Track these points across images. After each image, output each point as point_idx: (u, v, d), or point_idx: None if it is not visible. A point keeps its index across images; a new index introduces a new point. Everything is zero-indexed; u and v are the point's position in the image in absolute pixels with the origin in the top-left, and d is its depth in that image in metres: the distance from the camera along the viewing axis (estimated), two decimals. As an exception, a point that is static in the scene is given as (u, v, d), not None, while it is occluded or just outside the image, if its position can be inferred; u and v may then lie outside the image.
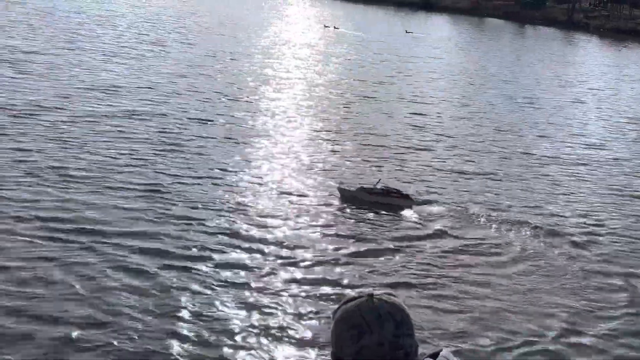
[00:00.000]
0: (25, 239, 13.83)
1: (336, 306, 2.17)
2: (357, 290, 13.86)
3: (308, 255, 14.77)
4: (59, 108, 23.91)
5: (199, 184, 18.35)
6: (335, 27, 71.14)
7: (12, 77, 27.74)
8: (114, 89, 28.04)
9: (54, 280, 12.36)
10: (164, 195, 17.22)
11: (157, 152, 20.53)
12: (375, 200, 18.09)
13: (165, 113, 25.28)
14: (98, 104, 25.22)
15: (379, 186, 18.47)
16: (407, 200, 18.37)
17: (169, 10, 65.75)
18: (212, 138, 22.92)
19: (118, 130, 22.23)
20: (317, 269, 14.15)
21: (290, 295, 12.86)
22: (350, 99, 33.33)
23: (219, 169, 19.82)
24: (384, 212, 18.02)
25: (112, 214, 15.68)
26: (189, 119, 24.94)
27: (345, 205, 18.02)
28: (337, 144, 24.32)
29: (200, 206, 16.80)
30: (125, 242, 14.25)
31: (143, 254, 13.82)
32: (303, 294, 13.00)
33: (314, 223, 16.79)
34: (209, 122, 24.87)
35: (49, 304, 11.49)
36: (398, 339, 2.05)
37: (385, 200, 18.12)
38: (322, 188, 19.20)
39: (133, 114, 24.38)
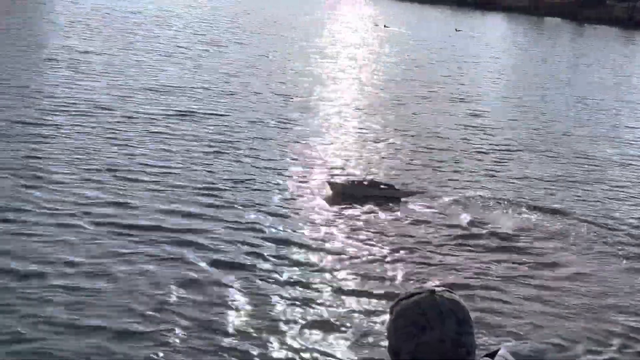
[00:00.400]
0: (81, 237, 13.87)
1: (393, 301, 2.12)
2: (414, 287, 13.71)
3: (357, 255, 14.47)
4: (115, 108, 24.11)
5: (251, 184, 18.22)
6: (385, 26, 71.05)
7: (69, 77, 28.15)
8: (168, 89, 28.21)
9: (109, 278, 12.34)
10: (217, 196, 17.13)
11: (210, 152, 20.49)
12: (364, 194, 18.05)
13: (219, 113, 25.28)
14: (153, 104, 25.37)
15: (367, 179, 18.61)
16: (395, 192, 18.40)
17: (223, 10, 66.22)
18: (265, 138, 22.79)
19: (172, 131, 22.28)
20: (364, 269, 13.84)
21: (340, 294, 12.61)
22: (406, 99, 32.85)
23: (271, 169, 19.66)
24: (412, 209, 17.71)
25: (166, 213, 15.65)
26: (243, 119, 24.89)
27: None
28: (393, 146, 23.91)
29: (251, 207, 16.64)
30: (179, 241, 14.19)
31: (196, 253, 13.73)
32: (353, 293, 12.72)
33: (364, 224, 16.49)
34: (263, 123, 24.77)
35: (104, 301, 11.48)
36: (460, 337, 2.02)
37: (374, 193, 18.14)
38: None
39: (187, 114, 24.43)
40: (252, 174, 18.95)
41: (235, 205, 16.65)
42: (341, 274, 13.60)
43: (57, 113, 22.55)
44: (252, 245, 14.54)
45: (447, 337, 2.00)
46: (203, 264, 13.34)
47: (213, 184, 17.86)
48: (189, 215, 15.71)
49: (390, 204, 17.91)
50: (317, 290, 12.84)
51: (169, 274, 12.78)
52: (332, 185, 18.32)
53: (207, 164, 19.38)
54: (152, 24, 48.51)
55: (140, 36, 41.93)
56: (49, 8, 52.30)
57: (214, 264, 13.43)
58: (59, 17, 47.25)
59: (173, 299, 11.91)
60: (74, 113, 22.78)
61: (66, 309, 11.17)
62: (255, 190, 17.84)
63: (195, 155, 20.08)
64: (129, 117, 23.12)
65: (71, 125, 21.48)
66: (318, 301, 12.41)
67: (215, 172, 18.76)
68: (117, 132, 21.33)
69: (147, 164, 18.73)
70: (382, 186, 18.44)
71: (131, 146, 20.14)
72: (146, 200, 16.23)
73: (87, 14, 49.11)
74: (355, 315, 12.04)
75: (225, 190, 17.55)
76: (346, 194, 18.07)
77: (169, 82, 29.49)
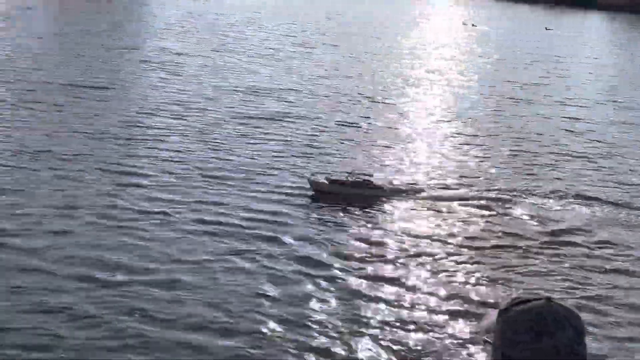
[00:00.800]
0: (171, 239, 14.00)
1: (503, 305, 2.08)
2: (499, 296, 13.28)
3: (446, 260, 14.12)
4: (206, 109, 24.43)
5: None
6: (473, 25, 70.36)
7: (163, 79, 28.75)
8: (259, 91, 28.38)
9: (200, 276, 12.45)
10: (305, 197, 17.03)
11: (298, 155, 20.42)
12: (347, 192, 17.42)
13: (308, 116, 25.20)
14: (243, 106, 25.55)
15: (350, 178, 17.89)
16: (380, 191, 17.76)
17: (313, 11, 66.49)
18: (352, 140, 22.60)
19: (261, 133, 22.35)
20: (450, 277, 13.40)
21: (433, 302, 12.26)
22: (500, 101, 31.90)
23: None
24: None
25: (255, 215, 15.65)
26: (332, 122, 24.73)
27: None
28: (487, 149, 23.17)
29: (340, 210, 16.50)
30: (268, 245, 14.15)
31: (283, 253, 13.69)
32: (444, 300, 12.32)
33: (471, 229, 16.05)
34: (352, 126, 24.54)
35: (197, 310, 11.50)
36: (574, 346, 2.01)
37: (358, 192, 17.49)
38: (476, 197, 18.25)
39: (276, 117, 24.47)
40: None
41: (323, 207, 16.51)
42: (434, 280, 13.28)
43: (151, 114, 23.04)
44: (339, 244, 14.45)
45: (562, 345, 1.99)
46: (290, 265, 13.29)
47: (301, 187, 17.74)
48: (276, 215, 15.68)
49: (478, 209, 17.38)
50: (406, 303, 12.54)
51: (257, 273, 12.77)
52: (314, 183, 17.74)
53: (295, 166, 19.31)
54: (244, 26, 49.21)
55: (231, 38, 42.56)
56: (145, 10, 53.90)
57: (302, 262, 13.39)
58: (155, 19, 48.58)
59: (261, 298, 11.91)
60: (166, 114, 23.21)
61: (160, 304, 11.32)
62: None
63: (284, 157, 20.05)
64: (220, 119, 23.36)
65: (164, 126, 21.87)
66: (409, 307, 12.11)
67: (303, 175, 18.62)
68: (207, 133, 21.57)
69: (236, 166, 18.82)
70: (367, 185, 17.79)
71: (221, 148, 20.31)
72: (235, 201, 16.31)
73: (182, 16, 50.30)
74: (448, 319, 11.72)
75: (311, 192, 17.41)
76: (329, 192, 17.45)
77: (259, 84, 29.69)
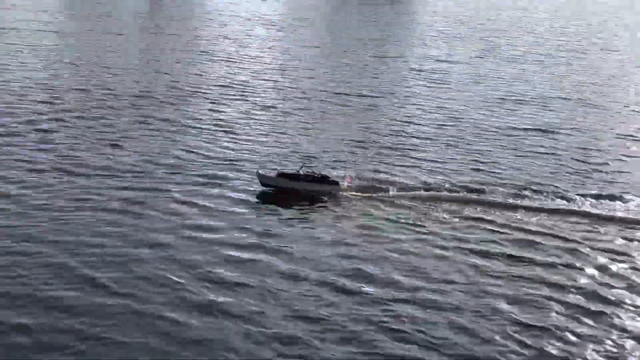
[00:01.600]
0: (432, 256, 13.87)
1: None
2: None
3: None
4: (468, 119, 23.88)
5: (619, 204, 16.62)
6: None
7: (427, 87, 28.70)
8: (524, 99, 27.20)
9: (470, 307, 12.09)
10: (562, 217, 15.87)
11: (567, 172, 19.11)
12: (298, 187, 16.06)
13: (579, 127, 23.57)
14: (507, 116, 24.55)
15: (302, 172, 16.35)
16: (335, 187, 16.17)
17: (587, 13, 62.76)
18: (630, 156, 20.83)
19: (526, 145, 21.28)
20: None
21: None
22: None
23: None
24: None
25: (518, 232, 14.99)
26: (606, 133, 22.91)
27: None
28: None
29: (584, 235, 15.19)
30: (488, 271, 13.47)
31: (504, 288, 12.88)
32: None
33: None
34: (628, 138, 22.65)
35: (452, 336, 11.26)
36: None
37: (312, 187, 16.00)
38: None
39: (543, 128, 23.18)
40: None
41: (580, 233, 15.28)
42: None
43: (413, 123, 23.10)
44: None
45: None
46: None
47: (570, 199, 16.58)
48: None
49: None
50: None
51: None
52: (262, 177, 16.41)
53: (569, 182, 18.14)
54: (515, 31, 47.99)
55: (497, 44, 41.52)
56: (412, 18, 54.79)
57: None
58: (421, 26, 49.29)
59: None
60: (428, 123, 23.16)
61: (419, 325, 11.12)
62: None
63: (550, 174, 18.92)
64: (483, 129, 22.73)
65: (424, 136, 21.70)
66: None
67: (572, 192, 17.37)
68: (469, 144, 21.09)
69: (497, 180, 18.03)
70: (322, 180, 16.39)
71: (482, 161, 19.61)
72: (499, 218, 15.75)
73: (447, 23, 50.38)
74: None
75: (577, 209, 16.14)
76: (276, 186, 16.29)
77: (525, 92, 28.49)
